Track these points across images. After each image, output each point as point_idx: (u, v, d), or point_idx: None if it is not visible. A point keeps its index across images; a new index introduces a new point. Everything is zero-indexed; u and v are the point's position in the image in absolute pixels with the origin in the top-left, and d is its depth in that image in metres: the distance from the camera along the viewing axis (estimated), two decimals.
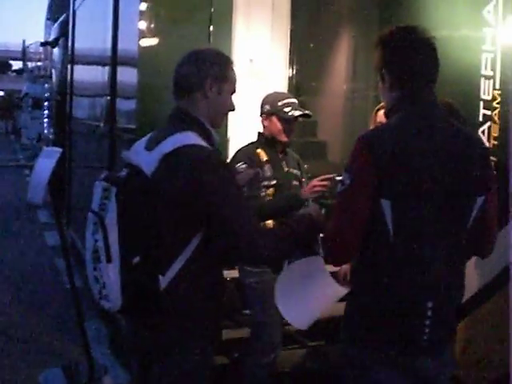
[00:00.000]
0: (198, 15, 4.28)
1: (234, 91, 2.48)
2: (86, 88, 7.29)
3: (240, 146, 3.93)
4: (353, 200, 2.13)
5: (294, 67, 5.75)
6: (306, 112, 3.82)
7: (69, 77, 8.23)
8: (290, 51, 5.66)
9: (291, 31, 5.63)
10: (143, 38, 4.16)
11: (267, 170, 3.73)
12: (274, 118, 3.77)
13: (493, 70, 3.47)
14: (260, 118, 3.86)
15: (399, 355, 2.17)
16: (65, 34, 9.32)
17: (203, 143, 2.30)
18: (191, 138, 2.28)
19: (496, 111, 3.47)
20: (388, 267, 2.14)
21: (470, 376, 3.46)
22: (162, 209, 2.23)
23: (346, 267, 3.86)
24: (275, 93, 3.97)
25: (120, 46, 4.86)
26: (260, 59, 5.57)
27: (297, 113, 3.75)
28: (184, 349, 2.29)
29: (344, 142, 6.05)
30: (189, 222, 2.24)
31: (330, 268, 3.21)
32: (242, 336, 4.12)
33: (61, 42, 10.29)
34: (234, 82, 2.46)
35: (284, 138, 3.80)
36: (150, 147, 2.34)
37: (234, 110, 2.50)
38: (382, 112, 3.52)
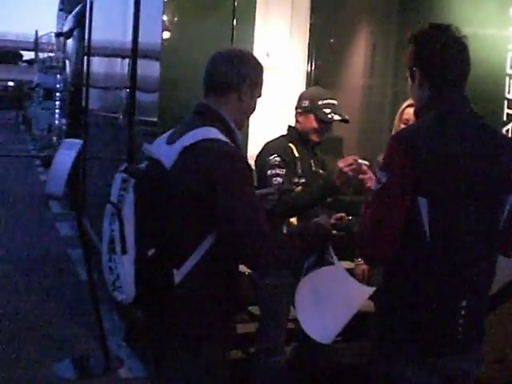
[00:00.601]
0: (221, 8, 4.26)
1: (260, 95, 2.48)
2: (103, 80, 7.29)
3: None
4: (391, 199, 2.12)
5: (313, 62, 5.73)
6: (346, 118, 3.66)
7: (85, 68, 8.22)
8: (308, 46, 5.65)
9: (310, 26, 5.62)
10: (166, 30, 4.15)
11: (298, 168, 3.61)
12: (311, 116, 3.63)
13: None
14: (294, 112, 3.72)
15: (431, 354, 2.17)
16: (80, 25, 9.30)
17: (225, 139, 2.28)
18: (212, 132, 2.27)
19: None
20: (423, 266, 2.14)
21: (486, 376, 3.45)
22: (179, 203, 2.23)
23: (363, 265, 3.87)
24: (316, 89, 3.85)
25: (141, 38, 4.85)
26: (278, 53, 5.57)
27: (336, 117, 3.60)
28: (198, 345, 2.28)
29: (360, 138, 6.03)
30: (204, 217, 2.21)
31: (346, 265, 3.19)
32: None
33: (76, 32, 10.27)
34: (262, 86, 2.47)
35: (316, 138, 3.68)
36: (171, 141, 2.34)
37: (254, 112, 2.51)
38: (410, 109, 3.50)
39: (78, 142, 4.48)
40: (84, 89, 8.33)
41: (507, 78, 3.48)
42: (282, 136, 3.74)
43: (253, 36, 4.33)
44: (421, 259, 2.14)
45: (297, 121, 3.72)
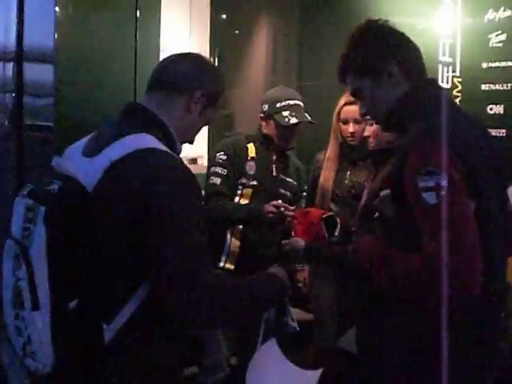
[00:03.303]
0: None
1: (208, 124, 2.08)
2: None
3: None
4: (461, 203, 1.74)
5: (215, 58, 5.44)
6: (306, 119, 3.31)
7: None
8: (210, 41, 5.34)
9: (211, 20, 5.32)
10: (60, 28, 3.56)
11: (250, 168, 3.30)
12: (271, 121, 3.32)
13: (452, 56, 3.28)
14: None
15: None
16: None
17: (164, 148, 1.81)
18: (148, 140, 1.78)
19: (457, 100, 3.28)
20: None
21: None
22: (105, 237, 1.70)
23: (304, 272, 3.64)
24: (276, 90, 3.50)
25: (28, 37, 4.29)
26: (178, 49, 5.23)
27: (293, 120, 3.25)
28: None
29: None
30: (139, 256, 1.68)
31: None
32: None
33: None
34: (215, 114, 2.08)
35: (281, 143, 3.37)
36: (90, 153, 1.81)
37: (198, 132, 2.08)
38: (348, 108, 3.27)
39: None
40: None
41: (440, 66, 3.30)
42: (247, 136, 3.45)
43: (159, 29, 3.88)
44: None
45: (261, 126, 3.42)
